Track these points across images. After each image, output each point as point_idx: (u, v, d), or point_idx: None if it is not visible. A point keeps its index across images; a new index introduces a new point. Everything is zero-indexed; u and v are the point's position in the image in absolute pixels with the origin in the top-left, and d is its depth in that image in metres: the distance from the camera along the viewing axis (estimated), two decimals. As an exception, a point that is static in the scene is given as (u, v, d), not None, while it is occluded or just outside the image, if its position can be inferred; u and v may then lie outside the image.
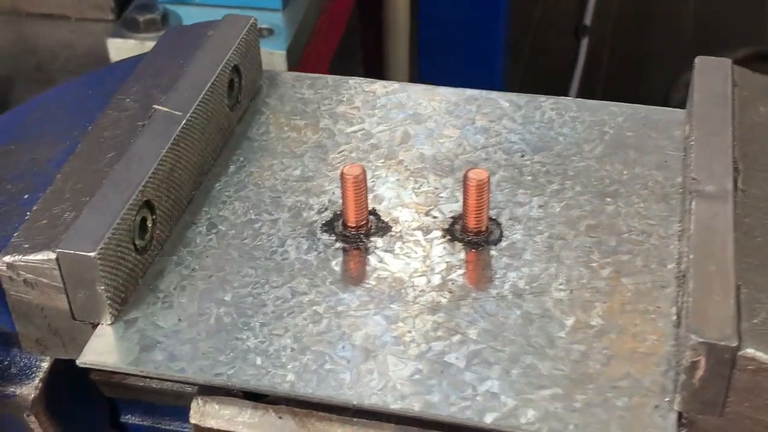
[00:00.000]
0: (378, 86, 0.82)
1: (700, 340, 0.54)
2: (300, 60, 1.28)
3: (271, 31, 1.26)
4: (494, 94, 0.80)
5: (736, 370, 0.55)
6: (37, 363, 0.70)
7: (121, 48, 1.25)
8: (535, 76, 2.63)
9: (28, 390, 0.70)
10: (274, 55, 1.21)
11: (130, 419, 0.77)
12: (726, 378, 0.55)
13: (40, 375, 0.70)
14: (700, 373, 0.55)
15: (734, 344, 0.54)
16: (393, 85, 0.82)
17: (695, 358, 0.55)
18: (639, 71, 2.62)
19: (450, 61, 1.97)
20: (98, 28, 1.35)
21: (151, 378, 0.72)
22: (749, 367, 0.55)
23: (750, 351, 0.55)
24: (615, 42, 2.74)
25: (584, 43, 2.23)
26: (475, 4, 2.02)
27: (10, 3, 1.40)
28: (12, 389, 0.69)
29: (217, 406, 0.63)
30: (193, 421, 0.63)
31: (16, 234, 0.63)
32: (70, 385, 0.72)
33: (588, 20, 2.24)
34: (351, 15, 1.59)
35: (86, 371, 0.73)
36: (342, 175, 0.67)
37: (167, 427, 0.77)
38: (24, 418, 0.70)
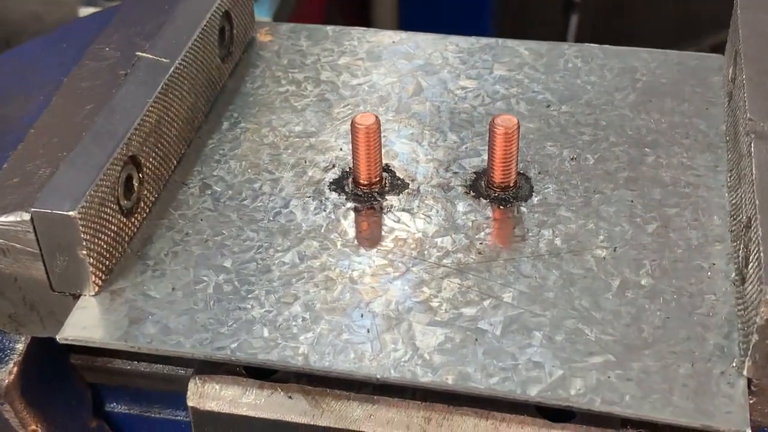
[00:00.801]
0: (383, 36, 0.75)
1: (778, 293, 0.48)
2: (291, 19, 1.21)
3: (259, -4, 1.19)
4: (511, 42, 0.74)
5: (818, 328, 0.49)
6: (11, 345, 0.64)
7: (95, 17, 1.17)
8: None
9: (2, 375, 0.63)
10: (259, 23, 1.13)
11: (116, 407, 0.71)
12: (806, 338, 0.49)
13: (15, 358, 0.63)
14: (775, 332, 0.49)
15: (817, 297, 0.48)
16: (400, 35, 0.75)
17: (770, 316, 0.48)
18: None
19: (434, 25, 1.91)
20: (70, 0, 1.28)
21: (140, 358, 0.65)
22: (833, 325, 0.48)
23: (834, 305, 0.48)
24: (599, 21, 2.69)
25: (573, 19, 2.17)
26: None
27: (-25, -26, 1.32)
28: (-17, 375, 0.62)
29: (217, 387, 0.56)
30: (190, 403, 0.56)
31: (-17, 194, 0.56)
32: (49, 369, 0.66)
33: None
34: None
35: (66, 354, 0.66)
36: (353, 125, 0.60)
37: (157, 416, 0.70)
38: (-1, 407, 0.63)
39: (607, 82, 0.69)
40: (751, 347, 0.50)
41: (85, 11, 1.20)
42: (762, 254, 0.50)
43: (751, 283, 0.51)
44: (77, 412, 0.69)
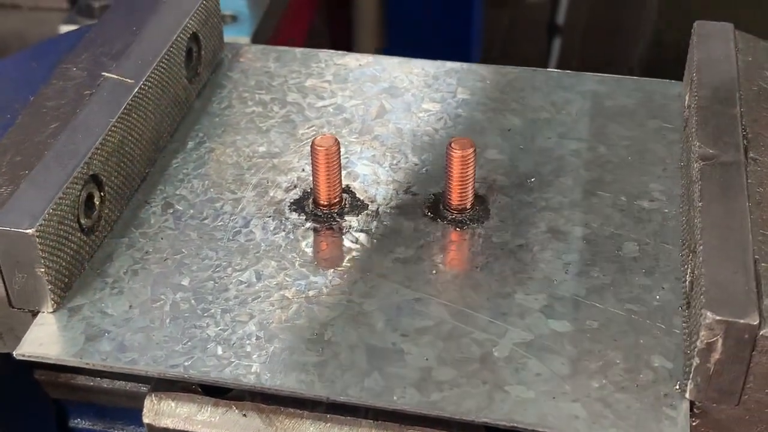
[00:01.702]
0: (350, 59, 0.76)
1: (717, 318, 0.49)
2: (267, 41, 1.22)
3: (234, 18, 1.20)
4: (475, 67, 0.74)
5: (756, 353, 0.50)
6: None
7: (75, 35, 1.18)
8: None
9: None
10: (238, 42, 1.14)
11: (80, 423, 0.71)
12: (745, 361, 0.50)
13: None
14: (716, 356, 0.50)
15: (755, 322, 0.49)
16: (366, 58, 0.76)
17: (711, 339, 0.49)
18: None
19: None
20: (52, 17, 1.29)
21: (102, 375, 0.65)
22: (772, 349, 0.49)
23: (773, 330, 0.49)
24: (585, 47, 2.70)
25: (556, 43, 2.19)
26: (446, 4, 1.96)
27: (-42, -9, 1.33)
28: (-55, 390, 0.63)
29: (173, 404, 0.56)
30: (146, 420, 0.57)
31: (-55, 211, 0.56)
32: (12, 385, 0.66)
33: (560, 20, 2.19)
34: (320, 3, 1.53)
35: (29, 370, 0.67)
36: (312, 146, 0.61)
37: (120, 432, 0.70)
38: (-42, 423, 0.63)
39: (568, 106, 0.70)
40: (692, 370, 0.51)
41: (66, 29, 1.20)
42: (704, 280, 0.50)
43: (694, 307, 0.52)
44: (41, 427, 0.70)
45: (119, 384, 0.67)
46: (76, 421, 0.71)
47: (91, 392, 0.68)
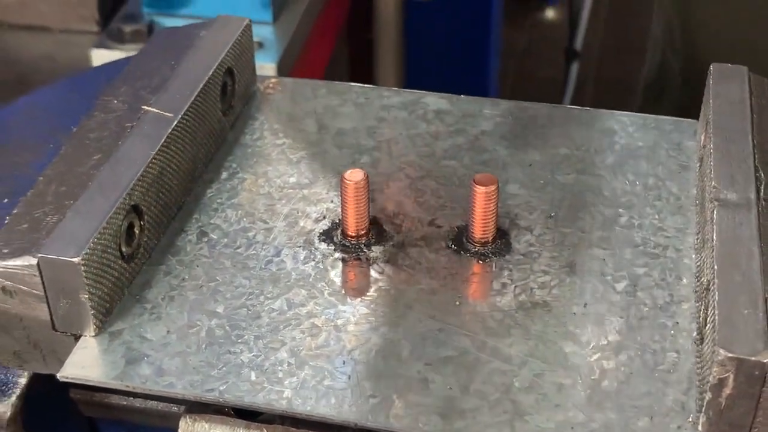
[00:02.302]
0: (377, 92, 0.78)
1: (729, 355, 0.51)
2: (290, 73, 1.25)
3: (261, 45, 1.23)
4: (497, 101, 0.77)
5: (766, 389, 0.52)
6: (14, 379, 0.66)
7: (105, 59, 1.21)
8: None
9: (4, 407, 0.65)
10: (264, 68, 1.17)
11: None
12: (756, 397, 0.52)
13: (17, 392, 0.65)
14: (727, 391, 0.52)
15: (765, 360, 0.51)
16: (400, 92, 0.78)
17: (722, 375, 0.51)
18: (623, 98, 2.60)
19: (438, 82, 1.94)
20: (82, 40, 1.32)
21: (136, 395, 0.68)
22: (781, 385, 0.51)
23: (782, 367, 0.51)
24: (601, 69, 2.73)
25: (574, 67, 2.21)
26: (464, 27, 1.99)
27: (-8, 14, 1.37)
28: (-13, 407, 0.65)
29: (206, 425, 0.59)
30: (180, 440, 0.59)
31: (-6, 238, 0.59)
32: (49, 403, 0.68)
33: (578, 45, 2.22)
34: (342, 29, 1.56)
35: (66, 389, 0.69)
36: (342, 180, 0.63)
37: (151, 449, 0.73)
38: (0, 437, 0.66)
39: (588, 143, 0.73)
40: (705, 404, 0.53)
41: (96, 53, 1.24)
42: (717, 317, 0.53)
43: (707, 344, 0.54)
44: (75, 444, 0.72)
45: (151, 404, 0.69)
46: (108, 438, 0.73)
47: (124, 411, 0.70)
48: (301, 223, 0.67)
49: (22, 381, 0.66)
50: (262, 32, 1.24)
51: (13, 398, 0.65)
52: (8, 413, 0.65)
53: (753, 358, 0.51)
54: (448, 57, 1.97)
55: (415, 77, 1.96)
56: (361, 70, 1.73)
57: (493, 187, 0.63)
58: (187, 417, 0.59)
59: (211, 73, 0.70)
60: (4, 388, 0.66)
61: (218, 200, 0.69)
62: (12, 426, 0.66)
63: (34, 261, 0.57)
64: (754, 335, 0.52)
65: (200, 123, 0.69)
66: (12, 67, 1.30)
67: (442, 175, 0.71)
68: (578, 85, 2.45)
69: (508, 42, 2.81)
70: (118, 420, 0.72)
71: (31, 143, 0.71)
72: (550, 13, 2.88)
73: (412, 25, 1.93)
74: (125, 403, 0.70)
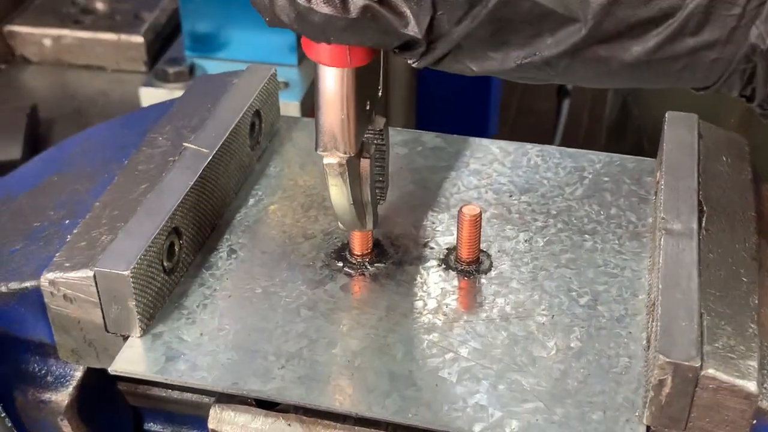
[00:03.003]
0: (391, 132, 0.83)
1: (668, 360, 0.55)
2: (312, 110, 1.29)
3: (287, 84, 1.28)
4: (486, 141, 0.82)
5: (699, 389, 0.56)
6: (71, 372, 0.70)
7: (152, 96, 1.26)
8: (522, 135, 2.64)
9: (62, 397, 0.70)
10: (289, 105, 1.22)
11: (153, 427, 0.77)
12: (690, 395, 0.56)
13: (74, 383, 0.70)
14: (666, 390, 0.56)
15: (697, 365, 0.55)
16: (410, 133, 0.83)
17: (662, 377, 0.56)
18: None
19: (445, 120, 1.98)
20: (132, 79, 1.37)
21: (173, 387, 0.72)
22: (710, 386, 0.56)
23: (711, 371, 0.55)
24: (594, 105, 2.77)
25: (566, 104, 2.25)
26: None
27: (55, 55, 1.42)
28: (48, 395, 0.70)
29: (232, 413, 0.64)
30: (211, 426, 0.64)
31: (58, 254, 0.64)
32: (100, 393, 0.73)
33: (569, 84, 2.26)
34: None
35: (114, 381, 0.74)
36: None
37: (186, 435, 0.77)
38: (58, 422, 0.70)
39: (560, 177, 0.77)
40: (648, 401, 0.57)
41: (144, 90, 1.29)
42: (659, 328, 0.57)
43: (651, 350, 0.59)
44: (121, 429, 0.77)
45: (186, 395, 0.73)
46: (149, 424, 0.77)
47: (163, 401, 0.74)
48: (315, 243, 0.72)
49: (78, 374, 0.70)
50: (288, 74, 1.28)
51: (70, 389, 0.70)
52: (66, 401, 0.69)
53: (687, 363, 0.55)
54: (455, 93, 2.01)
55: (424, 113, 2.01)
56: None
57: (476, 215, 0.67)
58: (216, 407, 0.64)
59: (241, 115, 0.75)
60: (62, 380, 0.70)
61: (246, 223, 0.74)
62: (69, 412, 0.70)
63: (90, 273, 0.62)
64: (689, 344, 0.56)
65: (231, 157, 0.74)
66: (71, 102, 1.35)
67: (436, 204, 0.75)
68: (574, 120, 2.49)
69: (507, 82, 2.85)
70: (158, 409, 0.76)
71: (88, 173, 0.76)
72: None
73: (422, 71, 1.98)
74: (164, 394, 0.74)
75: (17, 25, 1.41)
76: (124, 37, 1.40)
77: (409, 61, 0.54)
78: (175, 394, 0.74)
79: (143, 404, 0.75)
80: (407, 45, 0.52)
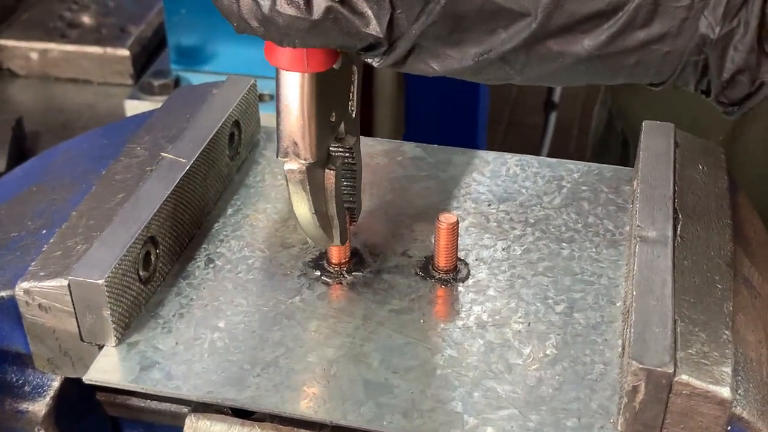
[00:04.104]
0: (371, 142, 0.83)
1: (641, 366, 0.55)
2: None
3: (271, 97, 1.28)
4: (466, 151, 0.81)
5: (672, 395, 0.56)
6: (48, 382, 0.70)
7: (137, 109, 1.25)
8: (511, 149, 2.65)
9: (40, 407, 0.69)
10: (272, 118, 1.21)
11: None
12: (663, 401, 0.56)
13: (51, 393, 0.69)
14: (640, 396, 0.56)
15: (671, 371, 0.55)
16: (390, 143, 0.82)
17: (636, 383, 0.55)
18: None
19: (433, 135, 1.98)
20: (118, 92, 1.37)
21: (151, 397, 0.72)
22: (684, 392, 0.55)
23: (685, 377, 0.55)
24: (583, 119, 2.78)
25: (552, 117, 2.26)
26: (458, 84, 2.03)
27: (41, 69, 1.42)
28: (25, 406, 0.69)
29: (208, 423, 0.63)
30: (186, 436, 0.63)
31: (33, 263, 0.64)
32: (78, 403, 0.72)
33: (556, 98, 2.26)
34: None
35: (93, 392, 0.73)
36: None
37: (164, 445, 0.76)
38: (35, 432, 0.70)
39: (539, 187, 0.77)
40: (622, 407, 0.57)
41: (129, 103, 1.29)
42: (632, 334, 0.57)
43: (625, 356, 0.58)
44: (99, 439, 0.76)
45: (165, 405, 0.73)
46: (128, 434, 0.77)
47: (142, 412, 0.74)
48: (293, 252, 0.71)
49: (55, 384, 0.69)
50: (272, 86, 1.27)
51: (47, 399, 0.69)
52: (43, 412, 0.69)
53: (660, 369, 0.55)
54: (443, 108, 2.01)
55: (412, 129, 2.01)
56: (365, 120, 1.78)
57: (453, 224, 0.67)
58: (192, 416, 0.63)
59: (220, 125, 0.75)
60: (39, 390, 0.70)
61: (224, 232, 0.73)
62: (46, 422, 0.69)
63: (65, 282, 0.61)
64: (663, 350, 0.56)
65: (210, 167, 0.73)
66: (57, 115, 1.35)
67: (415, 213, 0.75)
68: (563, 134, 2.49)
69: (500, 92, 2.87)
70: (136, 420, 0.76)
71: (67, 183, 0.76)
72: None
73: (410, 85, 1.98)
74: (143, 404, 0.73)
75: (4, 39, 1.41)
76: (110, 50, 1.40)
77: (373, 63, 0.54)
78: (154, 404, 0.73)
79: (122, 414, 0.75)
80: (370, 46, 0.53)
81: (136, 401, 0.73)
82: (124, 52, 1.39)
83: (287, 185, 0.61)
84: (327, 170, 0.62)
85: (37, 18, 1.47)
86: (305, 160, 0.59)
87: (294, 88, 0.57)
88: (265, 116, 0.85)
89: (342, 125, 0.65)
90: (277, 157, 0.60)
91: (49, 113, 1.36)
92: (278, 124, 0.59)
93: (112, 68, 1.40)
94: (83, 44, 1.41)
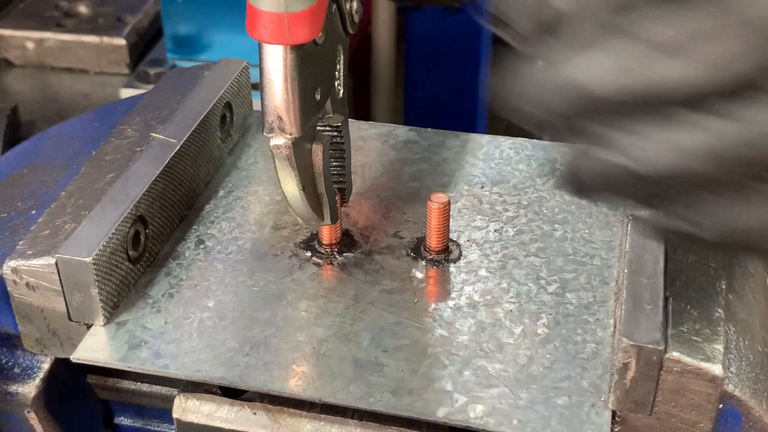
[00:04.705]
0: (365, 125, 0.82)
1: (631, 343, 0.55)
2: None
3: (267, 85, 1.27)
4: (459, 134, 0.81)
5: (663, 372, 0.55)
6: (39, 364, 0.69)
7: (133, 97, 1.26)
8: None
9: (29, 389, 0.69)
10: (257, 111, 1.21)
11: (123, 420, 0.77)
12: (654, 379, 0.55)
13: (41, 375, 0.69)
14: (631, 374, 0.55)
15: (661, 347, 0.54)
16: (384, 127, 0.82)
17: (626, 360, 0.55)
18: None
19: (433, 125, 1.97)
20: (114, 81, 1.37)
21: (142, 380, 0.72)
22: (675, 369, 0.55)
23: (676, 354, 0.55)
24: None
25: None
26: (457, 77, 2.02)
27: (38, 58, 1.42)
28: (15, 387, 0.69)
29: (197, 402, 0.63)
30: (175, 415, 0.63)
31: (21, 242, 0.63)
32: (68, 386, 0.72)
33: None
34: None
35: (83, 374, 0.73)
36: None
37: (156, 429, 0.76)
38: (25, 415, 0.69)
39: (532, 169, 0.77)
40: (613, 384, 0.56)
41: (125, 92, 1.29)
42: (623, 312, 0.57)
43: (616, 333, 0.58)
44: (90, 423, 0.76)
45: (156, 388, 0.73)
46: (119, 418, 0.76)
47: (133, 395, 0.74)
48: (284, 234, 0.71)
49: (46, 366, 0.69)
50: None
51: (37, 380, 0.69)
52: (32, 394, 0.69)
53: (650, 346, 0.54)
54: (442, 98, 2.00)
55: (411, 117, 2.00)
56: (362, 108, 1.78)
57: (445, 203, 0.67)
58: (181, 395, 0.63)
59: (211, 106, 0.74)
60: (29, 371, 0.69)
61: (215, 214, 0.73)
62: (36, 404, 0.69)
63: (52, 261, 0.61)
64: (654, 327, 0.55)
65: (200, 148, 0.73)
66: (53, 104, 1.35)
67: (407, 195, 0.75)
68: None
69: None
70: (128, 403, 0.75)
71: (57, 164, 0.75)
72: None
73: (409, 75, 1.98)
74: (134, 387, 0.73)
75: (0, 29, 1.41)
76: (106, 39, 1.39)
77: None
78: (145, 387, 0.73)
79: (113, 397, 0.75)
80: None
81: (126, 384, 0.73)
82: (121, 42, 1.39)
83: (274, 162, 0.61)
84: (314, 145, 0.62)
85: (34, 7, 1.47)
86: (290, 134, 0.58)
87: (277, 62, 0.56)
88: (258, 103, 0.84)
89: (330, 105, 0.64)
90: (262, 133, 0.60)
91: (45, 102, 1.36)
92: (263, 99, 0.59)
93: (109, 57, 1.40)
94: (79, 33, 1.40)
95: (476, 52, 2.02)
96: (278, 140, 0.59)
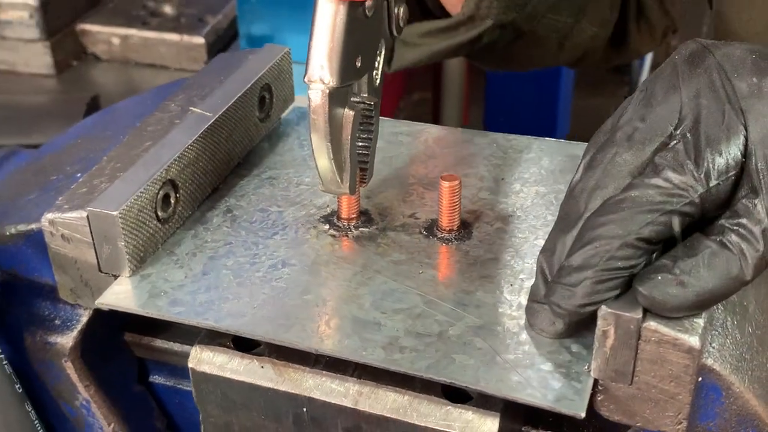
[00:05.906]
0: (394, 123, 0.86)
1: (609, 310, 0.57)
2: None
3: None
4: (490, 134, 0.84)
5: (642, 341, 0.58)
6: (77, 318, 0.75)
7: (205, 92, 1.33)
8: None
9: (67, 339, 0.74)
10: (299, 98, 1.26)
11: (156, 379, 0.82)
12: (633, 348, 0.58)
13: (79, 327, 0.74)
14: (610, 341, 0.58)
15: (638, 316, 0.57)
16: (414, 125, 0.86)
17: (606, 327, 0.58)
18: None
19: (513, 124, 1.99)
20: (192, 77, 1.45)
21: (173, 339, 0.77)
22: (653, 339, 0.57)
23: (653, 324, 0.57)
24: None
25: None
26: (537, 92, 2.04)
27: (122, 53, 1.52)
28: (54, 338, 0.75)
29: (211, 354, 0.68)
30: (190, 365, 0.68)
31: (60, 198, 0.70)
32: (105, 341, 0.78)
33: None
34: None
35: (120, 331, 0.79)
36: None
37: (187, 388, 0.81)
38: (62, 364, 0.75)
39: (557, 164, 0.80)
40: (594, 351, 0.59)
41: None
42: (606, 282, 0.59)
43: (600, 304, 0.61)
44: (125, 378, 0.81)
45: (187, 347, 0.78)
46: (154, 377, 0.82)
47: (166, 353, 0.79)
48: (308, 210, 0.76)
49: (84, 319, 0.75)
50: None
51: (75, 332, 0.74)
52: (70, 344, 0.74)
53: (628, 314, 0.57)
54: (523, 98, 2.01)
55: (492, 119, 2.02)
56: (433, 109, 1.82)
57: (456, 183, 0.71)
58: (197, 347, 0.68)
59: (249, 86, 0.80)
60: (68, 323, 0.75)
61: (246, 188, 0.78)
62: (72, 355, 0.75)
63: (84, 214, 0.67)
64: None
65: (236, 123, 0.79)
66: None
67: (429, 183, 0.79)
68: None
69: (590, 108, 2.85)
70: (162, 362, 0.81)
71: (108, 135, 0.82)
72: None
73: (491, 81, 2.01)
74: (167, 346, 0.78)
75: (89, 24, 1.52)
76: (186, 38, 1.48)
77: None
78: (176, 347, 0.78)
79: (147, 356, 0.80)
80: None
81: (160, 343, 0.79)
82: (200, 40, 1.47)
83: (309, 113, 0.65)
84: (346, 110, 0.67)
85: (122, 7, 1.57)
86: (328, 83, 0.63)
87: (328, 16, 0.63)
88: (300, 98, 0.89)
89: (366, 86, 0.69)
90: (304, 80, 0.65)
91: (127, 94, 1.44)
92: (309, 49, 0.64)
93: (188, 55, 1.49)
94: (162, 32, 1.50)
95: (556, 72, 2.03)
96: (317, 86, 0.64)
